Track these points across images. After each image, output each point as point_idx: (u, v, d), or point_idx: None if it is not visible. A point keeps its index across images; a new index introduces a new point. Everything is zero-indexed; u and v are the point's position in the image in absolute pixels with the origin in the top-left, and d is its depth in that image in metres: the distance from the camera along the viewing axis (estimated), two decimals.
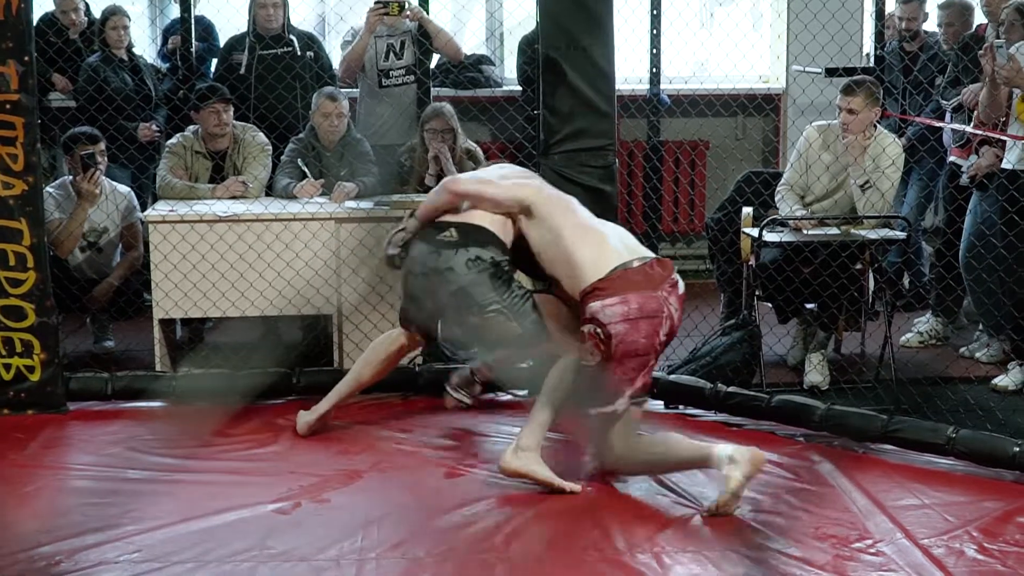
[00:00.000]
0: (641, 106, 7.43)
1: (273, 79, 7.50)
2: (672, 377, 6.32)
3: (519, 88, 8.34)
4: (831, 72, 7.25)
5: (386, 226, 6.59)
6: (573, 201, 5.45)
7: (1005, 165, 6.46)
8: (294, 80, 7.55)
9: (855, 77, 6.84)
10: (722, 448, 5.04)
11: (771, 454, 5.56)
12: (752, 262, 6.64)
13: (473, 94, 8.46)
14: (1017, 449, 5.37)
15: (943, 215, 7.37)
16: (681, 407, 6.31)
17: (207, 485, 5.32)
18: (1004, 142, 6.52)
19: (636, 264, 5.09)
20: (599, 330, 4.99)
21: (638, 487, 5.26)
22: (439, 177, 6.55)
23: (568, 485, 5.16)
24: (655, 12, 7.17)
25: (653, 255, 5.24)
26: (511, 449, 5.17)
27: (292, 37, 7.71)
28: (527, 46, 7.97)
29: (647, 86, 7.38)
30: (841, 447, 5.74)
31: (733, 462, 4.96)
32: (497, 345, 5.37)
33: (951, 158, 7.29)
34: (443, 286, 5.28)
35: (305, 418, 5.86)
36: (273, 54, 7.60)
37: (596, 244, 5.17)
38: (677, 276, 5.18)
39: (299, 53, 7.66)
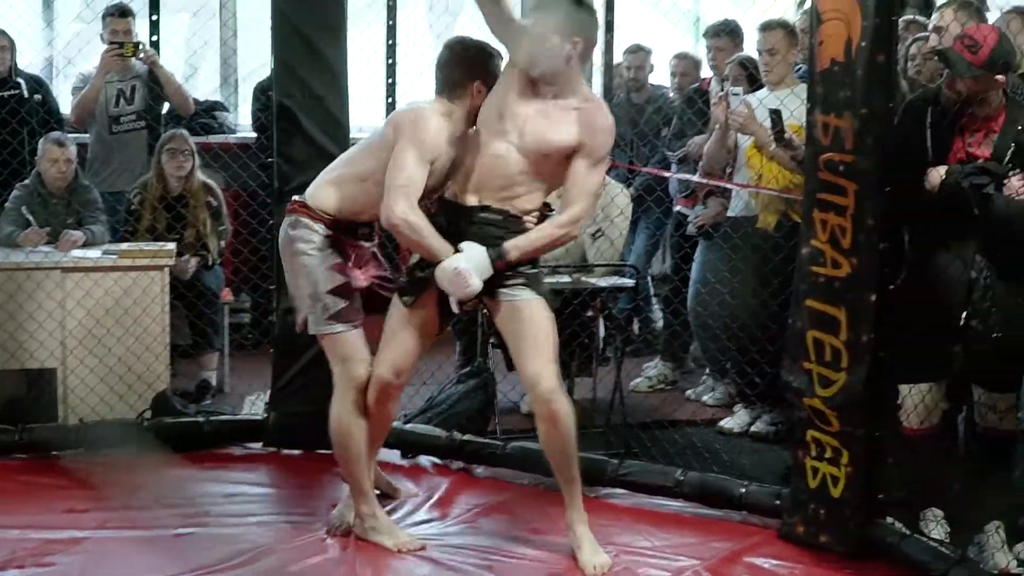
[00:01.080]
0: None
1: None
2: (408, 426, 6.30)
3: (253, 135, 8.25)
4: None
5: (113, 276, 6.44)
6: None
7: (731, 213, 6.67)
8: (20, 124, 7.28)
9: None
10: None
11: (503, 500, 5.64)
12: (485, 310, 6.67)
13: (206, 140, 8.31)
14: (743, 490, 5.52)
15: (670, 263, 7.57)
16: (417, 456, 6.31)
17: None
18: (729, 192, 6.73)
19: None
20: None
21: None
22: None
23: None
24: (390, 61, 7.20)
25: None
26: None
27: (19, 80, 7.44)
28: (261, 93, 7.89)
29: None
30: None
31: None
32: None
33: (677, 207, 7.50)
34: None
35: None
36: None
37: None
38: None
39: (26, 96, 7.40)
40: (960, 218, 4.82)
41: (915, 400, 5.11)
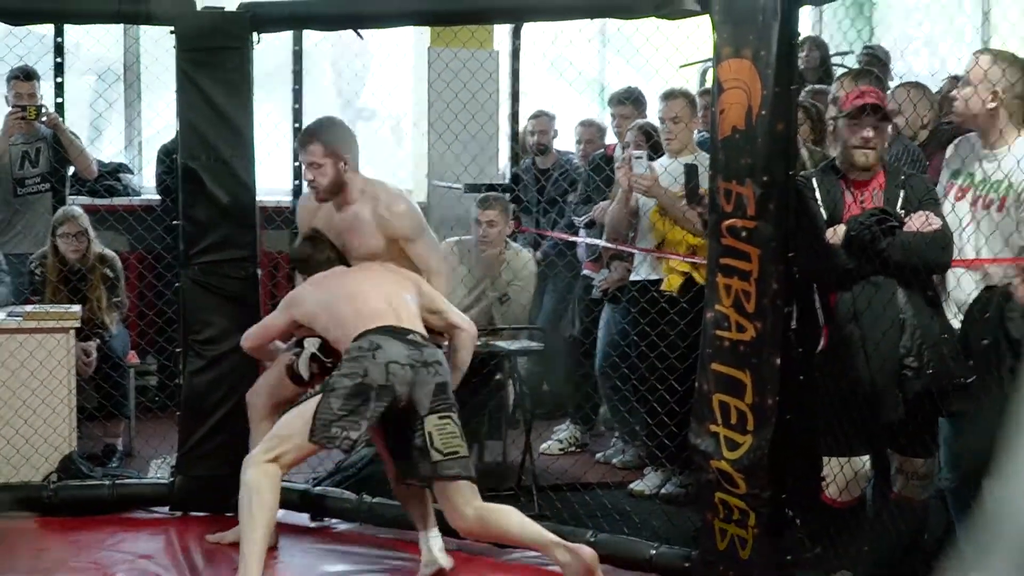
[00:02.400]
0: (288, 217, 7.41)
1: None
2: (317, 489, 6.27)
3: (158, 197, 8.21)
4: (471, 188, 7.42)
5: (18, 339, 6.35)
6: None
7: (635, 277, 6.73)
8: None
9: (491, 192, 7.05)
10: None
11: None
12: None
13: (110, 203, 8.27)
14: (653, 552, 5.53)
15: (579, 326, 7.61)
16: (327, 519, 6.27)
17: None
18: (633, 256, 6.80)
19: None
20: None
21: None
22: None
23: None
24: (297, 125, 7.19)
25: None
26: None
27: None
28: (166, 155, 7.86)
29: (291, 198, 7.39)
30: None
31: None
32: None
33: (585, 271, 7.55)
34: (430, 378, 5.07)
35: None
36: None
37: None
38: None
39: None
40: (868, 259, 4.96)
41: (836, 471, 5.16)
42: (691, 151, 6.55)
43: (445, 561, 5.53)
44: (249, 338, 5.63)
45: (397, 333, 5.15)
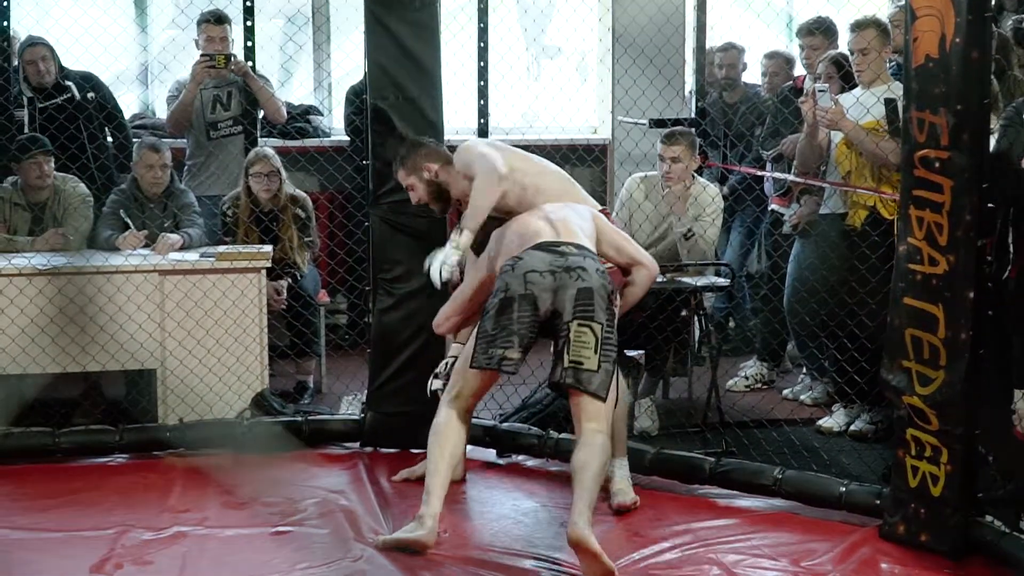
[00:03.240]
0: None
1: (59, 130, 7.06)
2: (504, 426, 6.33)
3: (347, 138, 8.31)
4: (656, 123, 7.35)
5: (211, 279, 6.52)
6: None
7: (824, 211, 6.61)
8: (78, 127, 7.21)
9: (676, 128, 6.97)
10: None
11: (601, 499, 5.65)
12: None
13: (301, 144, 8.38)
14: (843, 489, 5.47)
15: (767, 262, 7.51)
16: (514, 455, 6.32)
17: (25, 548, 5.15)
18: (823, 189, 6.67)
19: None
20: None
21: None
22: None
23: (611, 564, 4.85)
24: (482, 64, 7.21)
25: None
26: (583, 522, 4.82)
27: (69, 83, 7.40)
28: (355, 96, 7.93)
29: (477, 136, 7.42)
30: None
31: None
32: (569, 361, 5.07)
33: (773, 206, 7.44)
34: (571, 282, 5.04)
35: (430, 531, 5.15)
36: (55, 104, 7.30)
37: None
38: None
39: (81, 97, 7.43)
40: None
41: None
42: (884, 81, 6.37)
43: (626, 494, 5.57)
44: (445, 319, 5.65)
45: (546, 246, 5.17)
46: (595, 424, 5.02)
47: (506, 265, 5.14)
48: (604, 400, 5.02)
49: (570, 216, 5.40)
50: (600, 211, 5.72)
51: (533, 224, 5.33)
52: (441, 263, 5.23)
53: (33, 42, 7.33)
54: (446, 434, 5.18)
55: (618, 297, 5.33)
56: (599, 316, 5.01)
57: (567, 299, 5.01)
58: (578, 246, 5.20)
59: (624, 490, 5.64)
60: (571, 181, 5.85)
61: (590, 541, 4.74)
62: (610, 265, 5.45)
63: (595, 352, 5.00)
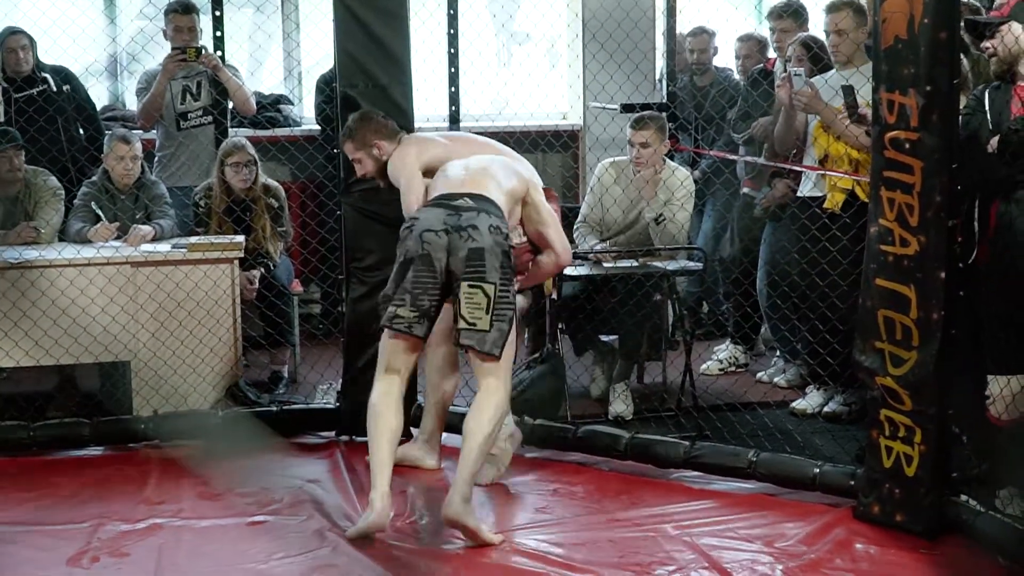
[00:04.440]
0: None
1: (33, 121, 7.10)
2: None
3: (318, 127, 8.30)
4: (627, 108, 7.36)
5: (183, 270, 6.50)
6: None
7: (800, 194, 6.63)
8: (50, 119, 7.24)
9: (646, 112, 6.97)
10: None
11: (576, 484, 5.67)
12: (554, 295, 6.69)
13: (272, 134, 8.38)
14: (817, 470, 5.50)
15: (739, 245, 7.53)
16: None
17: (1, 542, 5.13)
18: (794, 173, 6.70)
19: None
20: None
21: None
22: None
23: (492, 537, 5.05)
24: (452, 51, 7.21)
25: None
26: (459, 499, 4.97)
27: (45, 75, 7.40)
28: (325, 84, 7.92)
29: (448, 123, 7.42)
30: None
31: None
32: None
33: (744, 190, 7.46)
34: (462, 243, 5.08)
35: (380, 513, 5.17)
36: (29, 95, 7.29)
37: None
38: None
39: (55, 89, 7.42)
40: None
41: (1002, 390, 5.06)
42: (859, 62, 6.37)
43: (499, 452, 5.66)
44: None
45: (444, 200, 5.25)
46: (490, 380, 5.14)
47: (404, 227, 5.24)
48: (498, 358, 5.10)
49: (490, 167, 5.49)
50: (544, 189, 5.76)
51: (448, 171, 5.47)
52: None
53: (13, 31, 7.32)
54: (379, 410, 5.24)
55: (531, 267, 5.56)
56: (491, 276, 5.08)
57: (459, 260, 5.09)
58: (476, 197, 5.26)
59: (496, 458, 5.69)
60: (513, 159, 5.87)
61: (466, 519, 4.97)
62: (524, 241, 5.56)
63: (487, 312, 5.08)
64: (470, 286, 5.07)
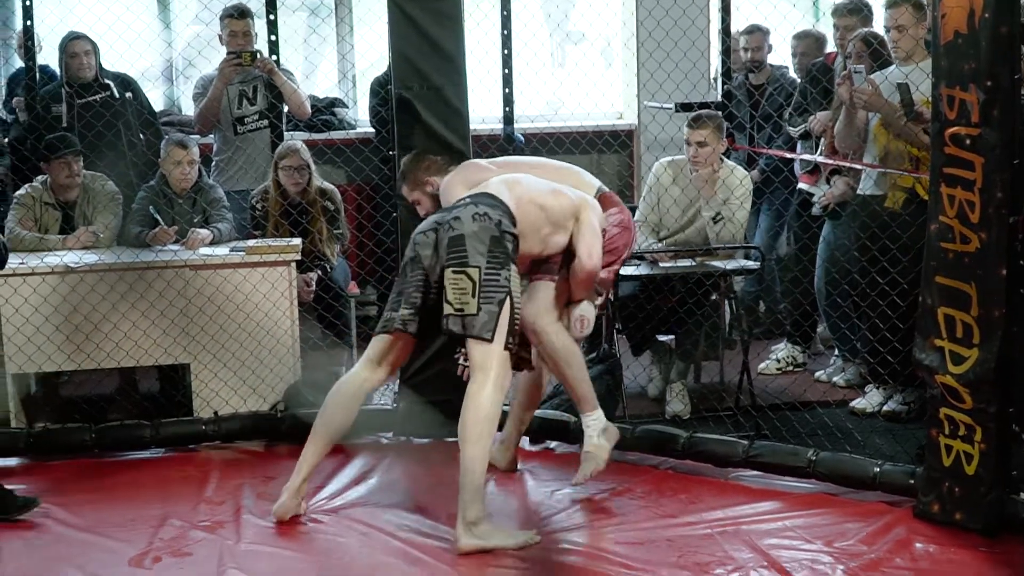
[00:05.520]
0: (502, 145, 7.45)
1: (95, 126, 7.15)
2: (537, 413, 6.32)
3: (373, 130, 8.32)
4: (683, 107, 7.33)
5: (241, 272, 6.53)
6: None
7: (860, 192, 6.58)
8: (116, 123, 7.32)
9: (703, 111, 6.94)
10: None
11: (633, 484, 5.66)
12: (611, 296, 6.67)
13: (327, 137, 8.41)
14: (877, 469, 5.46)
15: (796, 243, 7.49)
16: (547, 442, 6.33)
17: (63, 543, 5.18)
18: (854, 171, 6.65)
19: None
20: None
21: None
22: None
23: (525, 537, 5.06)
24: (506, 52, 7.21)
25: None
26: (462, 531, 4.94)
27: (108, 81, 7.48)
28: (380, 87, 7.95)
29: (502, 125, 7.43)
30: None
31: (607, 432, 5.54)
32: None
33: (801, 185, 7.41)
34: (444, 234, 5.12)
35: (283, 504, 5.36)
36: (92, 101, 7.36)
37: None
38: None
39: (117, 96, 7.50)
40: None
41: None
42: (919, 58, 6.31)
43: (593, 461, 5.56)
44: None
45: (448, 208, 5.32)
46: (478, 376, 5.08)
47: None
48: (490, 341, 5.06)
49: (521, 180, 5.46)
50: (605, 195, 5.76)
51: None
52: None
53: (76, 35, 7.40)
54: (330, 406, 5.39)
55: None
56: (474, 260, 5.07)
57: (443, 251, 5.12)
58: (475, 195, 5.30)
59: (592, 455, 5.56)
60: (569, 172, 5.84)
61: (481, 546, 4.95)
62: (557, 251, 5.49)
63: (473, 296, 5.06)
64: (454, 272, 5.08)
